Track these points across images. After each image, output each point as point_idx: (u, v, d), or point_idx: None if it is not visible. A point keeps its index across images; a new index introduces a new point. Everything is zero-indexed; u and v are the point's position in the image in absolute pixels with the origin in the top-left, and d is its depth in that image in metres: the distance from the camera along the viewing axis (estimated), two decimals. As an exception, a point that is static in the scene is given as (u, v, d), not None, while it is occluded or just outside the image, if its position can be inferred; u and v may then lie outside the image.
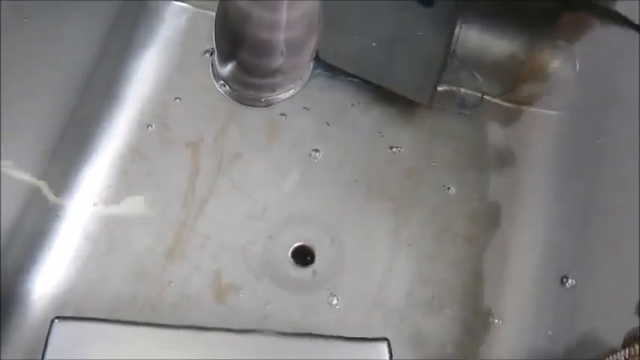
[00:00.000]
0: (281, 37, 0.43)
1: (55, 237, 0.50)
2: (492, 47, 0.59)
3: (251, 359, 0.44)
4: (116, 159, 0.52)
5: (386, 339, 0.43)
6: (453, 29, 0.58)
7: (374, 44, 0.56)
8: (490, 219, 0.54)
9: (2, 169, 0.48)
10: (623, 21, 0.52)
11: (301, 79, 0.54)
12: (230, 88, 0.54)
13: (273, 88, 0.52)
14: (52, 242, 0.50)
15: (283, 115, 0.55)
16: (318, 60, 0.55)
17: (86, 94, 0.52)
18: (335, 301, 0.51)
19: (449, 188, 0.55)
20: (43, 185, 0.50)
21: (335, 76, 0.56)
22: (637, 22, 0.52)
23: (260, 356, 0.44)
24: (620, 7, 0.53)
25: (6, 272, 0.48)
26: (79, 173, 0.51)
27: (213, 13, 0.53)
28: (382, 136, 0.55)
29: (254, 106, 0.54)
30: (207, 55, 0.56)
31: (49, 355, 0.41)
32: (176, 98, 0.55)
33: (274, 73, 0.48)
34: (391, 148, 0.55)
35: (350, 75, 0.56)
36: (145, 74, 0.55)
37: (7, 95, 0.47)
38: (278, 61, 0.46)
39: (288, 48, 0.45)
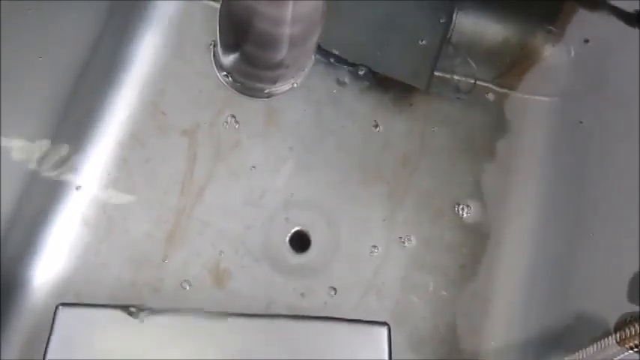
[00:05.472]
0: (286, 31, 0.44)
1: (55, 224, 0.50)
2: (487, 33, 0.59)
3: (252, 341, 0.44)
4: (115, 146, 0.52)
5: (386, 323, 0.44)
6: (450, 16, 0.58)
7: (370, 31, 0.57)
8: (484, 204, 0.55)
9: (2, 156, 0.48)
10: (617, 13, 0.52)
11: (303, 70, 0.54)
12: (233, 79, 0.54)
13: (275, 80, 0.52)
14: (52, 229, 0.50)
15: (280, 102, 0.55)
16: (317, 47, 0.55)
17: (84, 82, 0.52)
18: (332, 285, 0.51)
19: (443, 174, 0.55)
20: (42, 173, 0.50)
21: (332, 63, 0.56)
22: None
23: (261, 338, 0.45)
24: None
25: (7, 259, 0.48)
26: (78, 160, 0.51)
27: (210, 1, 0.53)
28: (377, 123, 0.56)
29: (256, 97, 0.54)
30: (208, 45, 0.55)
31: (54, 340, 0.42)
32: (174, 85, 0.55)
33: (278, 65, 0.48)
34: (386, 134, 0.56)
35: (347, 62, 0.56)
36: (142, 62, 0.55)
37: (7, 82, 0.47)
38: (282, 55, 0.46)
39: (292, 42, 0.45)
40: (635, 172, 0.47)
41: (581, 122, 0.55)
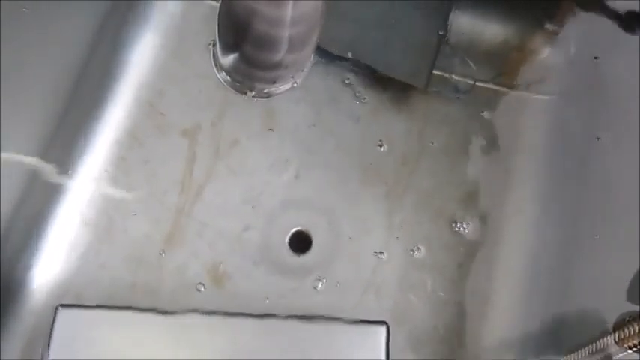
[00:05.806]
0: (285, 32, 0.44)
1: (54, 225, 0.50)
2: (485, 33, 0.59)
3: (251, 341, 0.45)
4: (114, 146, 0.52)
5: (385, 322, 0.44)
6: (447, 15, 0.58)
7: (369, 30, 0.57)
8: (482, 204, 0.55)
9: (2, 157, 0.48)
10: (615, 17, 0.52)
11: (302, 70, 0.55)
12: (232, 79, 0.54)
13: (275, 80, 0.53)
14: (51, 230, 0.50)
15: (280, 102, 0.55)
16: (316, 47, 0.55)
17: (83, 81, 0.52)
18: (331, 285, 0.51)
19: (442, 173, 0.55)
20: (41, 173, 0.50)
21: (331, 62, 0.56)
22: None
23: (260, 338, 0.45)
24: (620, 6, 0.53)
25: (6, 260, 0.48)
26: (77, 160, 0.51)
27: (209, 1, 0.53)
28: (377, 122, 0.56)
29: (256, 97, 0.54)
30: (207, 44, 0.55)
31: (54, 341, 0.42)
32: (173, 85, 0.55)
33: (277, 66, 0.49)
34: (385, 134, 0.56)
35: (346, 61, 0.56)
36: (141, 61, 0.55)
37: (6, 84, 0.47)
38: (281, 55, 0.46)
39: (291, 43, 0.45)
40: (635, 172, 0.47)
41: (580, 121, 0.54)
